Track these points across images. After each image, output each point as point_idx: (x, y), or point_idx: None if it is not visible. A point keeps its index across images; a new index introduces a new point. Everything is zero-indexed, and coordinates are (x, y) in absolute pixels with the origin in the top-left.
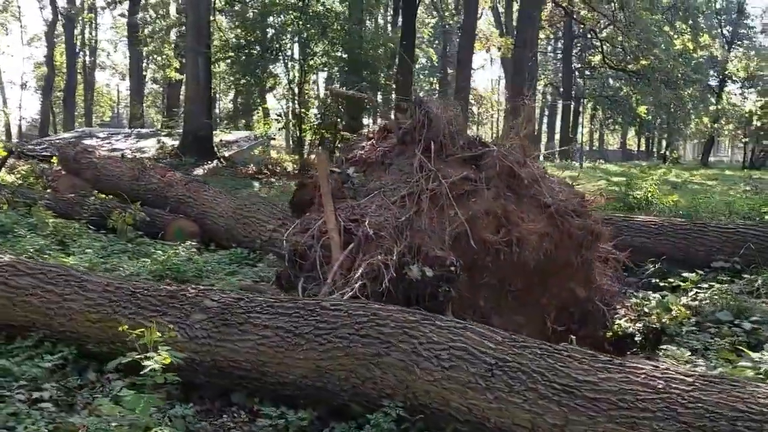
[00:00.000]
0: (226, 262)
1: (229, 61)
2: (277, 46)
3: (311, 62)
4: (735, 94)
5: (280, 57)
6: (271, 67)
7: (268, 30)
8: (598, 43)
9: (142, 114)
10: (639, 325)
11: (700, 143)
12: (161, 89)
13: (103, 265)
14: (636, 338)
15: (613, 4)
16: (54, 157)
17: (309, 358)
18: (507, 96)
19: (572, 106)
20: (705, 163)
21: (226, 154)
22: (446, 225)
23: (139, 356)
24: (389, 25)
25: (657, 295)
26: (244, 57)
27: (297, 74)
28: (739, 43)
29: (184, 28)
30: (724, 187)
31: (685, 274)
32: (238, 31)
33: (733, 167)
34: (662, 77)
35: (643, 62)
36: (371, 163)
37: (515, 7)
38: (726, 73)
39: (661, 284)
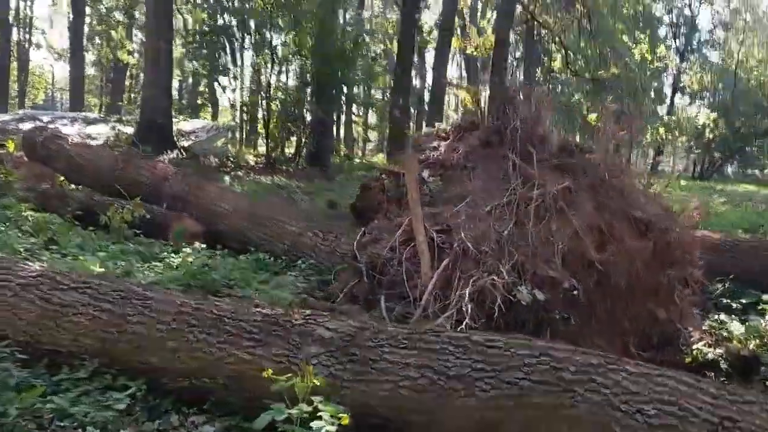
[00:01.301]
0: (248, 268)
1: (192, 46)
2: (244, 33)
3: (280, 51)
4: (680, 107)
5: (246, 45)
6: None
7: (234, 16)
8: (559, 50)
9: (83, 99)
10: (719, 350)
11: (644, 153)
12: (100, 72)
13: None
14: (721, 365)
15: (578, 11)
16: (9, 143)
17: (469, 408)
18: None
19: None
20: (654, 173)
21: (185, 144)
22: (551, 240)
23: (294, 410)
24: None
25: (734, 318)
26: (208, 43)
27: (265, 63)
28: (690, 56)
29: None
30: (720, 199)
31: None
32: (204, 15)
33: (683, 177)
34: (628, 87)
35: (614, 71)
36: (450, 167)
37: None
38: (680, 84)
39: (733, 305)
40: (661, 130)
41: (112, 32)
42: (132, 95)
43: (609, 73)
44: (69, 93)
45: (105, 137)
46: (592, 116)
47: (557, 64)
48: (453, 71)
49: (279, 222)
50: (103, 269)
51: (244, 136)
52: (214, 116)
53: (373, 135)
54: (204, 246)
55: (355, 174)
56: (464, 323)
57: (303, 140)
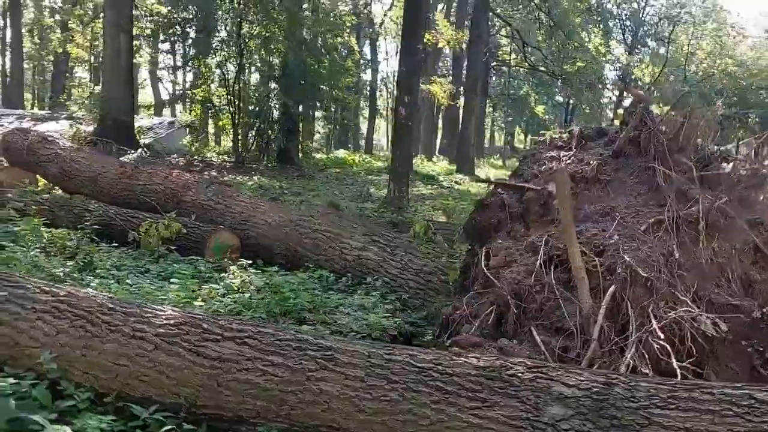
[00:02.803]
0: (314, 289)
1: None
2: (208, 26)
3: (249, 45)
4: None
5: (213, 39)
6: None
7: (201, 7)
8: (511, 43)
9: (23, 95)
10: None
11: None
12: (34, 66)
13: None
14: None
15: (537, 4)
16: None
17: None
18: (462, 93)
19: (484, 104)
20: None
21: (145, 141)
22: (716, 261)
23: None
24: None
25: None
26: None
27: (232, 57)
28: (639, 49)
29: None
30: None
31: None
32: (167, 7)
33: None
34: (585, 80)
35: (580, 64)
36: (581, 180)
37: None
38: (631, 77)
39: None
40: (616, 122)
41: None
42: (78, 91)
43: (576, 68)
44: (1, 88)
45: (61, 136)
46: (540, 108)
47: (511, 57)
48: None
49: (333, 235)
50: (181, 299)
51: (206, 134)
52: (193, 112)
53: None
54: (249, 262)
55: (330, 172)
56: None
57: (271, 137)
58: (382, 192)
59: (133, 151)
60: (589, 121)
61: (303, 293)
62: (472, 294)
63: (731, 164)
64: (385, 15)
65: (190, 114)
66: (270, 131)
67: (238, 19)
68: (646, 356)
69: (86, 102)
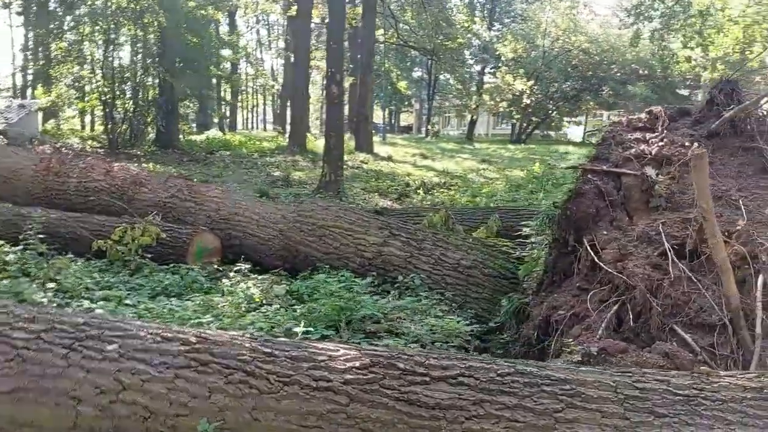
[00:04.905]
0: (350, 292)
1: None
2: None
3: (121, 20)
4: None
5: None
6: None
7: None
8: (383, 19)
9: None
10: None
11: (460, 119)
12: None
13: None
14: None
15: None
16: None
17: None
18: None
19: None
20: (470, 138)
21: None
22: None
23: None
24: None
25: None
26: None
27: (98, 33)
28: (498, 25)
29: None
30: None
31: None
32: None
33: (497, 141)
34: (458, 57)
35: (461, 40)
36: (676, 162)
37: None
38: (495, 53)
39: None
40: (486, 96)
41: None
42: None
43: (456, 44)
44: None
45: None
46: (402, 84)
47: (379, 33)
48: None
49: (345, 230)
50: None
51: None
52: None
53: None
54: (247, 266)
55: (221, 155)
56: None
57: (148, 120)
58: (298, 175)
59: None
60: (463, 97)
61: (364, 300)
62: (575, 291)
63: None
64: None
65: (47, 95)
66: (146, 113)
67: None
68: None
69: None
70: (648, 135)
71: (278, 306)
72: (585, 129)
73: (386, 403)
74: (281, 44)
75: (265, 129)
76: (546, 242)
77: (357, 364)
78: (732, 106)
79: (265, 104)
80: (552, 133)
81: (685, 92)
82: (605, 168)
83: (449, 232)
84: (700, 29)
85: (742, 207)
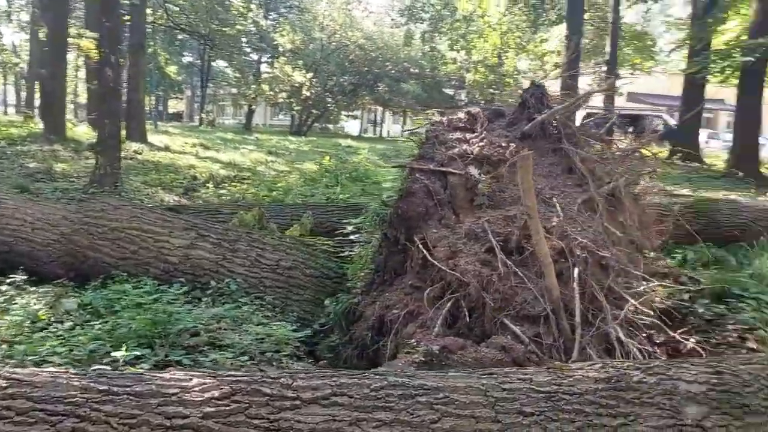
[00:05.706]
0: (147, 302)
1: None
2: None
3: None
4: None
5: None
6: None
7: None
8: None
9: None
10: None
11: (236, 108)
12: None
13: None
14: None
15: None
16: None
17: None
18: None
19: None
20: (248, 128)
21: None
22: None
23: None
24: None
25: None
26: None
27: None
28: (275, 15)
29: None
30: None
31: None
32: None
33: (277, 132)
34: (235, 43)
35: (239, 27)
36: (495, 162)
37: None
38: (273, 43)
39: None
40: (264, 86)
41: None
42: None
43: (234, 30)
44: None
45: None
46: (172, 68)
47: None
48: None
49: (144, 233)
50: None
51: None
52: None
53: None
54: (23, 278)
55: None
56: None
57: None
58: (61, 167)
59: None
60: (243, 86)
61: (178, 310)
62: (408, 289)
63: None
64: None
65: None
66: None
67: None
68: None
69: None
70: (468, 135)
71: (71, 324)
72: (361, 124)
73: None
74: (24, 17)
75: (6, 113)
76: (373, 240)
77: (216, 393)
78: (544, 111)
79: (5, 84)
80: (331, 126)
81: (450, 91)
82: (432, 167)
83: (264, 231)
84: (464, 33)
85: (557, 205)
